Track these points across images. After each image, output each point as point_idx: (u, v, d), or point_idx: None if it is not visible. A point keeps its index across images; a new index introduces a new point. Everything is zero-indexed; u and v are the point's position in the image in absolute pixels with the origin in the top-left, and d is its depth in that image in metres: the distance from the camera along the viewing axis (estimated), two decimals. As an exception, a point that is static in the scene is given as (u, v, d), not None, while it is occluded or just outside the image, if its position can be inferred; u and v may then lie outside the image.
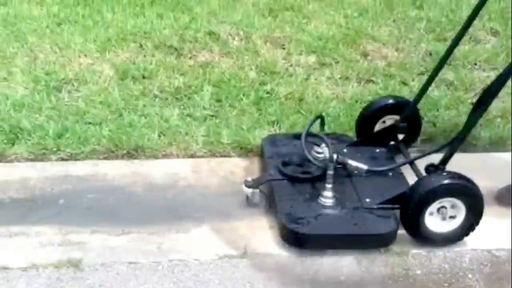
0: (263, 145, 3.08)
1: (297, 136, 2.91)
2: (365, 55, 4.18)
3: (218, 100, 3.55)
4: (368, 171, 2.76)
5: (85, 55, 4.00)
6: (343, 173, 2.79)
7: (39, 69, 3.76)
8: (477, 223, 2.57)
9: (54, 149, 3.10)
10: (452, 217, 2.55)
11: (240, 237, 2.63)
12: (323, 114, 3.06)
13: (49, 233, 2.62)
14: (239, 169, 3.07)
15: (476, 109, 2.55)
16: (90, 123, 3.30)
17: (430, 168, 2.68)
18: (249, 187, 2.74)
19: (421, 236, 2.59)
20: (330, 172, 2.62)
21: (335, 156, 2.67)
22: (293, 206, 2.62)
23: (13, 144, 3.12)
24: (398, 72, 3.91)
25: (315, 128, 2.87)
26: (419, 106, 3.05)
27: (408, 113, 2.99)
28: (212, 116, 3.43)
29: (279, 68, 3.92)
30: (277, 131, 3.31)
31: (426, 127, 3.31)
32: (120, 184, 2.94)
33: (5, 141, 3.13)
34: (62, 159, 3.09)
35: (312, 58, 4.07)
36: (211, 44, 4.23)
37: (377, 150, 3.00)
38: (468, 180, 2.53)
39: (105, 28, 4.33)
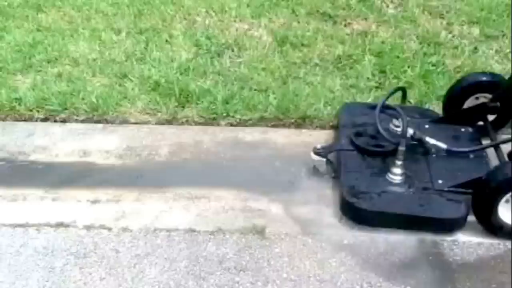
0: (340, 112, 2.94)
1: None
2: (533, 28, 3.89)
3: (382, 71, 3.43)
4: (447, 151, 2.57)
5: (240, 20, 3.98)
6: (420, 150, 2.61)
7: (199, 33, 3.78)
8: None
9: (224, 114, 3.12)
10: None
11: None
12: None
13: (228, 198, 2.65)
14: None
15: None
16: (255, 89, 3.29)
17: None
18: (317, 154, 2.64)
19: (492, 226, 2.38)
20: (402, 148, 2.47)
21: (411, 131, 2.52)
22: (358, 179, 2.51)
23: (183, 107, 3.17)
24: None
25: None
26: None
27: (501, 92, 2.73)
28: (377, 88, 3.33)
29: (442, 39, 3.73)
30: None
31: None
32: (291, 153, 2.91)
33: (176, 103, 3.18)
34: (231, 125, 3.10)
35: (476, 30, 3.84)
36: (365, 11, 4.08)
37: (462, 130, 2.79)
38: None
39: (257, -8, 4.28)
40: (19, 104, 3.18)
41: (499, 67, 3.48)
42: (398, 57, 3.55)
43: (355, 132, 2.73)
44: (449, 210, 2.41)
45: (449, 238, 2.43)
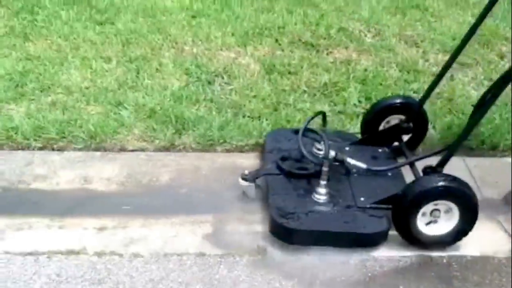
0: (265, 139, 3.10)
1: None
2: (501, 56, 4.15)
3: (367, 98, 3.60)
4: (367, 170, 2.75)
5: (227, 49, 4.10)
6: (342, 171, 2.79)
7: (188, 62, 3.87)
8: (471, 228, 2.52)
9: (220, 140, 3.21)
10: (445, 220, 2.52)
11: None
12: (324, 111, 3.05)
13: (232, 222, 2.73)
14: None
15: (475, 113, 2.49)
16: (249, 116, 3.39)
17: (428, 170, 2.64)
18: (245, 180, 2.77)
19: (413, 238, 2.56)
20: (325, 169, 2.63)
21: (333, 153, 2.68)
22: (285, 200, 2.64)
23: (180, 135, 3.24)
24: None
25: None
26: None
27: (413, 113, 2.95)
28: (364, 113, 3.47)
29: (420, 67, 3.94)
30: (433, 132, 3.32)
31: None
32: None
33: (173, 131, 3.25)
34: (228, 151, 3.20)
35: (450, 58, 4.05)
36: (345, 40, 4.27)
37: (379, 150, 2.99)
38: (463, 183, 2.47)
39: (240, 22, 4.42)
40: (16, 133, 3.19)
41: (476, 93, 3.69)
42: (381, 84, 3.73)
43: (281, 157, 2.84)
44: (371, 225, 2.56)
45: (445, 254, 2.57)
